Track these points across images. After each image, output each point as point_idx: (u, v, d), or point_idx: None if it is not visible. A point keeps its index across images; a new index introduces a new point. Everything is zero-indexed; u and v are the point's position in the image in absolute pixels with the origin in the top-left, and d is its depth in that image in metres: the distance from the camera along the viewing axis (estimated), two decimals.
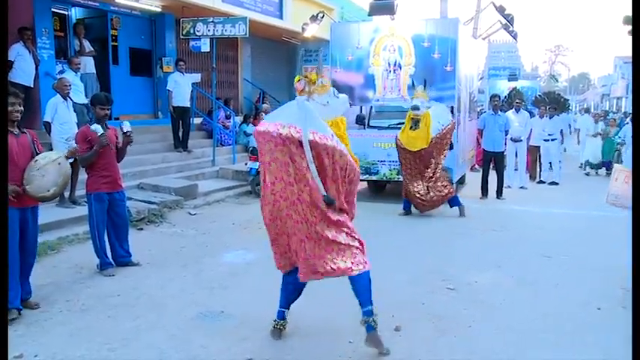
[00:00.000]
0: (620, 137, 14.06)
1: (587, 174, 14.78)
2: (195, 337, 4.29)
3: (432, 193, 8.48)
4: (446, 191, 8.60)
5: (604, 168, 14.59)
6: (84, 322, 4.55)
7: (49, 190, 4.65)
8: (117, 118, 10.91)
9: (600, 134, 14.89)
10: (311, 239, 3.88)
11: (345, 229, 3.97)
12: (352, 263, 3.94)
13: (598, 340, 4.31)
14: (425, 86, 8.34)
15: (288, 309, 4.37)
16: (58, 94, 7.87)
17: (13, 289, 4.46)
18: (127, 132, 5.87)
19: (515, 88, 22.25)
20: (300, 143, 3.73)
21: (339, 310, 4.72)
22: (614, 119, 16.80)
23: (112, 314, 4.73)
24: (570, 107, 29.24)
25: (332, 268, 3.92)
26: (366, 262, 4.00)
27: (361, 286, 3.97)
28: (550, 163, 12.84)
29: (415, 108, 8.15)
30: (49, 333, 4.31)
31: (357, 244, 4.01)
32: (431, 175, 8.47)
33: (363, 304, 3.98)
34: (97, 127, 5.61)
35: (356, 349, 4.10)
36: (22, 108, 4.60)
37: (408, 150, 8.36)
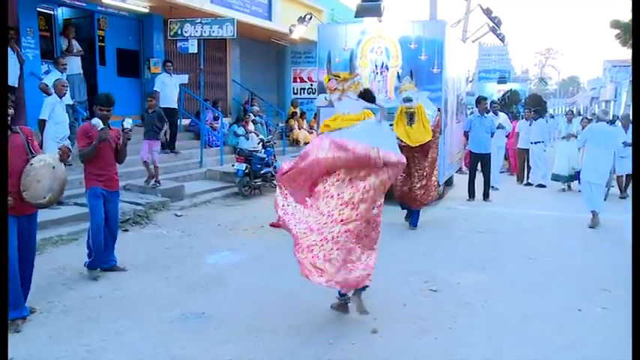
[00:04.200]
0: None
1: (563, 190, 12.25)
2: (175, 339, 4.27)
3: (421, 191, 8.02)
4: (434, 193, 8.30)
5: (577, 180, 11.16)
6: (64, 324, 4.52)
7: (44, 197, 4.39)
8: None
9: (574, 135, 12.15)
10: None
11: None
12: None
13: (577, 341, 4.34)
14: (412, 77, 7.89)
15: None
16: (54, 94, 7.88)
17: (16, 298, 4.32)
18: (125, 129, 5.81)
19: (511, 89, 22.39)
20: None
21: (318, 311, 4.74)
22: (587, 118, 13.98)
23: (93, 316, 4.70)
24: (549, 110, 28.90)
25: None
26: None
27: None
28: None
29: (408, 100, 7.59)
30: (27, 335, 4.27)
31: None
32: (429, 171, 8.02)
33: None
34: (97, 122, 5.56)
35: (336, 350, 4.11)
36: (12, 111, 4.44)
37: (409, 146, 7.65)
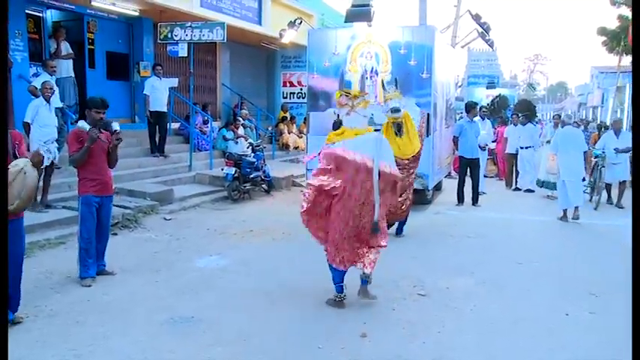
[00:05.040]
0: (599, 149, 11.08)
1: (549, 197, 11.58)
2: (163, 343, 4.26)
3: (400, 204, 7.53)
4: (409, 202, 7.78)
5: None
6: (51, 328, 4.48)
7: (12, 204, 4.12)
8: None
9: None
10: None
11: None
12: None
13: (565, 345, 4.36)
14: (396, 85, 7.50)
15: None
16: (41, 97, 7.84)
17: None
18: (115, 130, 5.77)
19: (500, 94, 22.51)
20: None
21: (307, 315, 4.74)
22: (576, 123, 13.39)
23: (81, 320, 4.67)
24: (538, 115, 28.79)
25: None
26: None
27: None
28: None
29: (396, 110, 7.07)
30: (14, 339, 4.20)
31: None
32: (411, 181, 7.68)
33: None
34: (83, 124, 5.54)
35: (325, 353, 4.11)
36: None
37: (400, 158, 6.94)
